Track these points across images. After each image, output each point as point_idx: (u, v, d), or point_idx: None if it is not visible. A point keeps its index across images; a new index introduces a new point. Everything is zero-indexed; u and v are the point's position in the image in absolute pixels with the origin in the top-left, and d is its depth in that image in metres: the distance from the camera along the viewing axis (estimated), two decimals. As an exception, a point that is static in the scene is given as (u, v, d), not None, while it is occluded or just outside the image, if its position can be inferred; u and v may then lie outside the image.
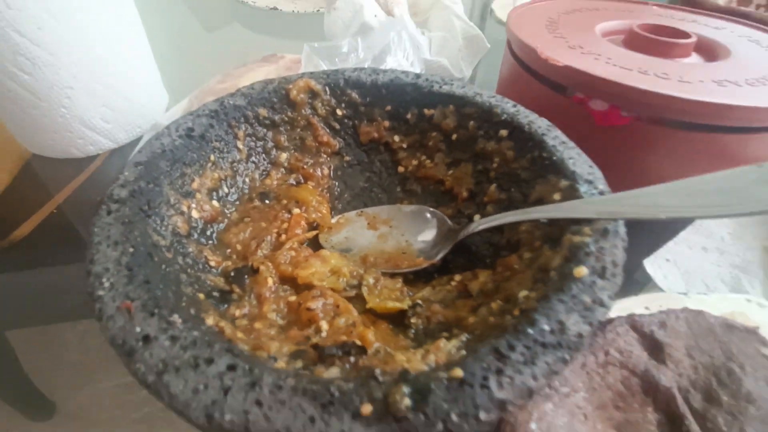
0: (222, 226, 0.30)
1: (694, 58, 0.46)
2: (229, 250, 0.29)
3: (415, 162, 0.36)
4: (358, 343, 0.22)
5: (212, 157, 0.32)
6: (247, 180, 0.34)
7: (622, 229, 0.25)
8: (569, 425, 0.26)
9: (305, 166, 0.36)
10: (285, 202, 0.33)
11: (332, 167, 0.37)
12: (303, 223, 0.32)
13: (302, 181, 0.36)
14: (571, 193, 0.27)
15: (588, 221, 0.24)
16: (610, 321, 0.30)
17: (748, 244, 0.41)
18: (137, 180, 0.26)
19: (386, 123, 0.37)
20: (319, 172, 0.36)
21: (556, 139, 0.30)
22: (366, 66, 0.40)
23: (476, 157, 0.34)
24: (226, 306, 0.25)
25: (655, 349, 0.30)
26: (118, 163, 0.50)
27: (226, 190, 0.32)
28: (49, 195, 0.46)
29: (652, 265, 0.39)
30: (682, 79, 0.40)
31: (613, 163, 0.37)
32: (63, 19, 0.42)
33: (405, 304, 0.27)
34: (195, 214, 0.29)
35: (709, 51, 0.47)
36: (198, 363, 0.18)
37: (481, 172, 0.33)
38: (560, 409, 0.26)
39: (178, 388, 0.18)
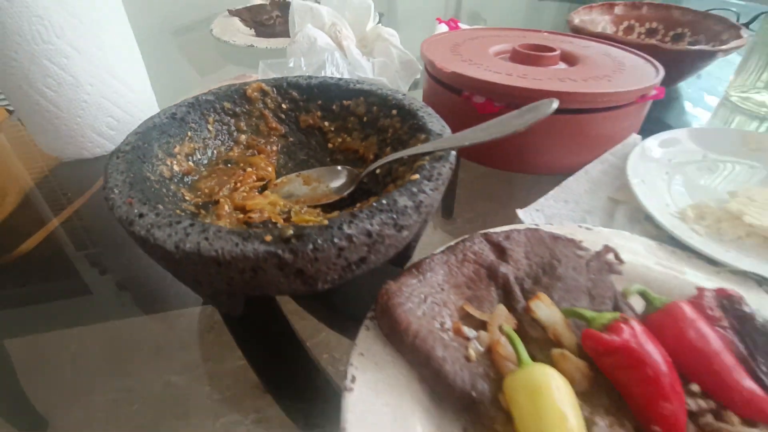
0: (195, 177, 0.44)
1: (561, 66, 0.61)
2: (199, 192, 0.42)
3: (339, 139, 0.50)
4: (274, 221, 0.35)
5: (189, 134, 0.45)
6: (215, 151, 0.47)
7: (452, 157, 0.38)
8: (428, 293, 0.38)
9: (259, 144, 0.49)
10: (242, 165, 0.46)
11: (279, 145, 0.50)
12: (254, 177, 0.45)
13: (256, 154, 0.49)
14: (427, 141, 0.40)
15: (429, 153, 0.38)
16: (470, 236, 0.43)
17: (597, 196, 0.54)
18: (136, 141, 0.40)
19: (318, 113, 0.50)
20: (269, 148, 0.49)
21: (425, 111, 0.44)
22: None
23: (378, 131, 0.47)
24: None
25: (500, 252, 0.42)
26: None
27: (198, 156, 0.45)
28: (49, 218, 0.52)
29: (524, 213, 0.52)
30: (538, 78, 0.54)
31: (490, 140, 0.51)
32: (83, 51, 0.57)
33: (318, 220, 0.40)
34: (176, 167, 0.42)
35: (571, 60, 0.62)
36: (171, 223, 0.31)
37: (382, 141, 0.47)
38: (423, 284, 0.38)
39: (159, 235, 0.30)
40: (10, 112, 0.75)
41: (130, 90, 0.64)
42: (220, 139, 0.48)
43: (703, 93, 0.82)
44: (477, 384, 0.32)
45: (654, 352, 0.32)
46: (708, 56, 0.68)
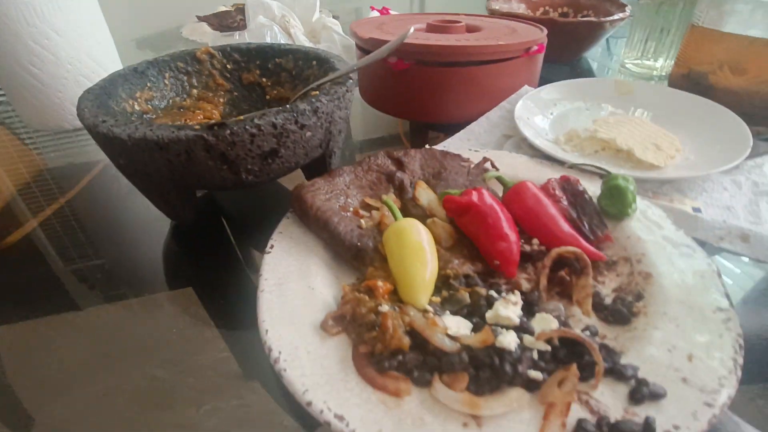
0: (153, 116, 0.54)
1: (465, 34, 0.73)
2: (155, 125, 0.52)
3: (275, 91, 0.61)
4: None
5: (148, 84, 0.56)
6: (170, 100, 0.58)
7: (349, 83, 0.49)
8: (334, 189, 0.48)
9: (208, 97, 0.60)
10: (193, 110, 0.57)
11: (226, 98, 0.61)
12: (201, 116, 0.55)
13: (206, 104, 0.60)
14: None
15: (332, 80, 0.49)
16: (375, 153, 0.54)
17: (493, 134, 0.65)
18: (103, 83, 0.50)
19: (257, 71, 0.61)
20: (217, 100, 0.60)
21: (336, 59, 0.55)
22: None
23: (304, 81, 0.58)
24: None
25: (399, 164, 0.53)
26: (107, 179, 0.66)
27: (156, 102, 0.56)
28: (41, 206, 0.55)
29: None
30: (441, 41, 0.66)
31: (405, 91, 0.63)
32: (63, 34, 0.68)
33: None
34: (137, 107, 0.53)
35: (474, 30, 0.74)
36: (126, 123, 0.41)
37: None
38: (331, 184, 0.49)
39: (117, 131, 0.41)
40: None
41: (104, 70, 0.74)
42: (174, 92, 0.58)
43: (606, 64, 0.95)
44: (363, 239, 0.43)
45: (494, 208, 0.43)
46: (596, 27, 0.80)
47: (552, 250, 0.40)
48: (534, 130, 0.61)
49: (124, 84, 0.53)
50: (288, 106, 0.43)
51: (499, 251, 0.41)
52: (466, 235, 0.44)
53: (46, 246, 0.50)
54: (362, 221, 0.45)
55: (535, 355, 0.32)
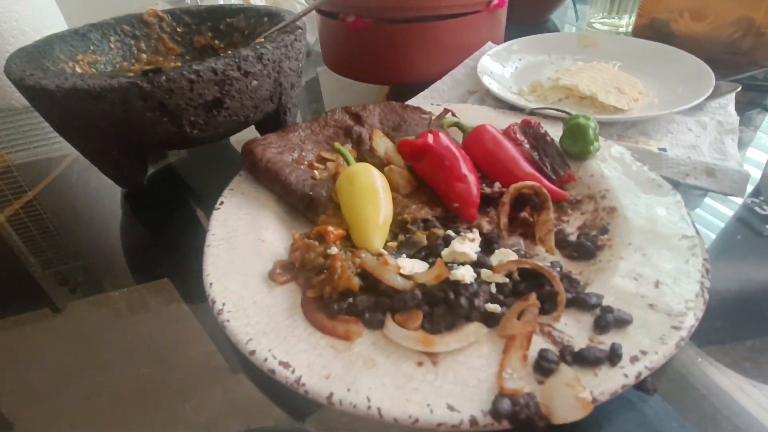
0: (96, 79, 0.50)
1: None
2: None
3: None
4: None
5: (92, 47, 0.51)
6: (117, 65, 0.53)
7: (298, 32, 0.45)
8: (287, 144, 0.45)
9: (159, 61, 0.56)
10: (140, 73, 0.53)
11: (178, 63, 0.57)
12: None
13: (156, 68, 0.55)
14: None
15: (276, 32, 0.45)
16: (332, 109, 0.50)
17: (457, 91, 0.62)
18: (37, 43, 0.46)
19: (209, 33, 0.57)
20: (168, 65, 0.56)
21: (287, 13, 0.51)
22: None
23: (257, 36, 0.54)
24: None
25: (357, 119, 0.50)
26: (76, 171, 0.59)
27: (102, 66, 0.52)
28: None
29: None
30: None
31: (366, 52, 0.59)
32: (4, 5, 0.63)
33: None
34: (78, 69, 0.48)
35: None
36: (56, 75, 0.37)
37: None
38: (285, 139, 0.45)
39: (44, 82, 0.36)
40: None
41: (54, 45, 0.69)
42: (122, 56, 0.54)
43: (573, 25, 0.93)
44: (316, 189, 0.39)
45: (451, 149, 0.40)
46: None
47: (511, 186, 0.37)
48: (498, 84, 0.58)
49: (62, 45, 0.48)
50: (230, 52, 0.39)
51: (458, 193, 0.38)
52: (425, 183, 0.41)
53: (17, 242, 0.46)
54: (316, 173, 0.42)
55: (493, 289, 0.29)
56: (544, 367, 0.25)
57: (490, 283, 0.29)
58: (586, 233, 0.36)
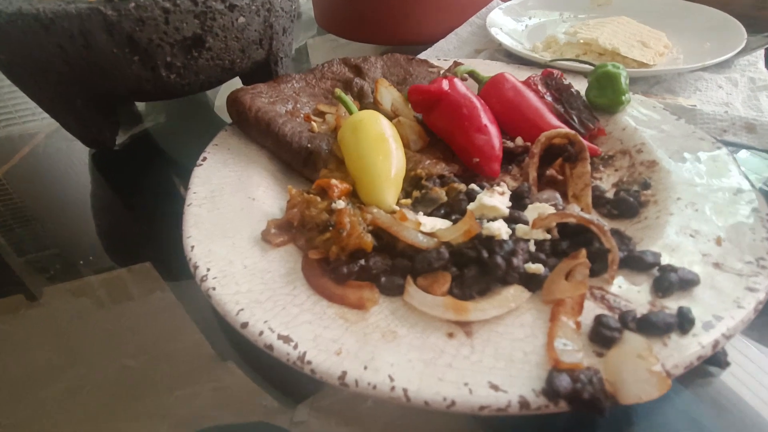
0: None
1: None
2: None
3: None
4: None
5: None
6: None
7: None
8: (279, 95, 0.39)
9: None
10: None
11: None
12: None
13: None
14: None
15: None
16: (329, 60, 0.45)
17: (464, 51, 0.57)
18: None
19: None
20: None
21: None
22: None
23: None
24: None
25: (357, 71, 0.44)
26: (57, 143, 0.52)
27: None
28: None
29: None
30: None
31: (363, 8, 0.53)
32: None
33: None
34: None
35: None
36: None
37: None
38: (277, 90, 0.40)
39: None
40: None
41: None
42: None
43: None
44: (314, 141, 0.34)
45: (468, 96, 0.35)
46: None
47: (541, 134, 0.32)
48: (510, 38, 0.53)
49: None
50: (212, -19, 0.34)
51: (478, 146, 0.33)
52: (438, 137, 0.36)
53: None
54: (314, 125, 0.37)
55: (532, 247, 0.25)
56: (604, 336, 0.20)
57: (528, 240, 0.25)
58: (626, 189, 0.31)
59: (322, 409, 0.24)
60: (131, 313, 0.32)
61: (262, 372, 0.26)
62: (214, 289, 0.24)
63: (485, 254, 0.23)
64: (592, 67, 0.41)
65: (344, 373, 0.20)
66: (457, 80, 0.35)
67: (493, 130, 0.34)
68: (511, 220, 0.26)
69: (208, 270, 0.26)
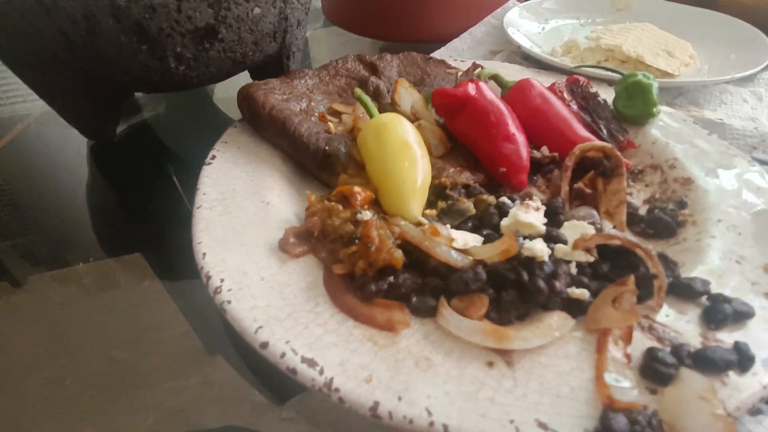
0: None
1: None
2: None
3: None
4: None
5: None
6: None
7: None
8: (293, 92, 0.37)
9: None
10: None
11: None
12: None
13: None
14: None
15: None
16: (343, 57, 0.43)
17: (478, 51, 0.55)
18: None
19: None
20: None
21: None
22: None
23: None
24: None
25: (373, 70, 0.42)
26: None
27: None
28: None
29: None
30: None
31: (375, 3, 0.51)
32: None
33: None
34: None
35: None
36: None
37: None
38: (290, 87, 0.38)
39: None
40: None
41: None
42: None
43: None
44: (332, 143, 0.32)
45: (495, 102, 0.33)
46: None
47: (575, 147, 0.30)
48: (528, 42, 0.51)
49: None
50: (229, -33, 0.31)
51: (505, 155, 0.32)
52: (461, 143, 0.35)
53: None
54: (330, 125, 0.35)
55: (573, 269, 0.23)
56: (660, 373, 0.19)
57: (569, 262, 0.23)
58: (661, 207, 0.30)
59: (311, 406, 0.23)
60: (119, 303, 0.31)
61: (252, 366, 0.25)
62: (229, 302, 0.23)
63: (526, 276, 0.22)
64: (619, 76, 0.39)
65: (376, 403, 0.19)
66: (483, 84, 0.34)
67: (521, 139, 0.32)
68: (548, 239, 0.24)
69: (222, 281, 0.24)
